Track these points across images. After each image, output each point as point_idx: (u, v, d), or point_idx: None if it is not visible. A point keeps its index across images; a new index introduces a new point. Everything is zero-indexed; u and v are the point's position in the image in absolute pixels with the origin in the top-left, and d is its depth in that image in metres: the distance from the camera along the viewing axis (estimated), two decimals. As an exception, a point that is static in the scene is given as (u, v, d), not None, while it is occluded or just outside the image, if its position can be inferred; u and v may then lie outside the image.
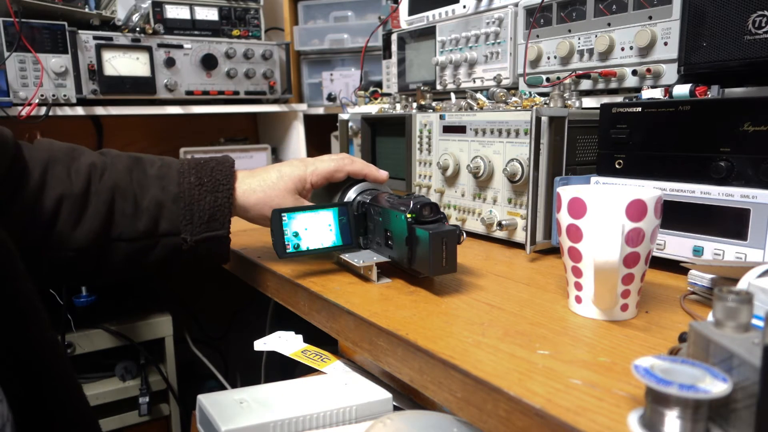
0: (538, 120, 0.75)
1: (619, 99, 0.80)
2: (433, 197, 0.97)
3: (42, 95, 1.22)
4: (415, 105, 1.08)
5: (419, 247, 0.62)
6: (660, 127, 0.69)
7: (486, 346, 0.49)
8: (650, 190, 0.54)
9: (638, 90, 0.79)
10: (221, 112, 1.50)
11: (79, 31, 1.27)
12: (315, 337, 0.85)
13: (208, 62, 1.44)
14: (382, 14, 1.37)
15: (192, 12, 1.43)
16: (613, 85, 0.83)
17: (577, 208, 0.53)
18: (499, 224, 0.83)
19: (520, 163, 0.79)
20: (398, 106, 1.13)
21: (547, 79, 0.91)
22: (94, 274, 0.69)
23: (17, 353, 0.56)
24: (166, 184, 0.69)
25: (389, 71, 1.30)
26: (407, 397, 0.78)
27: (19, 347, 0.56)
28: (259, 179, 0.75)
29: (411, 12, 1.21)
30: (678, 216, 0.67)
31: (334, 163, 0.76)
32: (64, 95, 1.25)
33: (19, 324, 0.56)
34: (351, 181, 0.79)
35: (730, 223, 0.62)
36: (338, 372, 0.83)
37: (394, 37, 1.26)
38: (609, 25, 0.82)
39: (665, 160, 0.69)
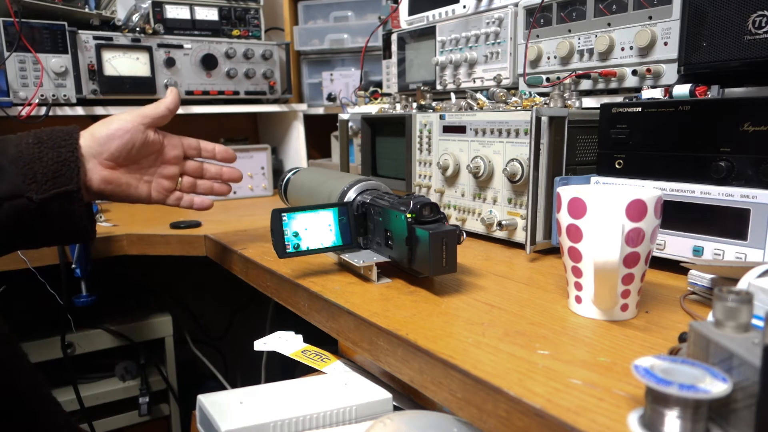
0: (538, 120, 0.75)
1: (619, 99, 0.80)
2: (433, 197, 0.97)
3: (42, 95, 1.22)
4: (415, 105, 1.08)
5: (419, 247, 0.62)
6: (660, 127, 0.69)
7: (486, 346, 0.49)
8: (650, 190, 0.54)
9: (638, 90, 0.79)
10: (221, 112, 1.50)
11: (79, 31, 1.27)
12: (315, 337, 0.85)
13: (208, 62, 1.44)
14: (382, 14, 1.37)
15: (192, 12, 1.43)
16: (613, 85, 0.83)
17: (577, 208, 0.53)
18: (499, 224, 0.83)
19: (520, 163, 0.79)
20: (398, 106, 1.13)
21: (547, 79, 0.91)
22: None
23: None
24: (4, 146, 0.64)
25: (389, 71, 1.30)
26: (407, 397, 0.78)
27: None
28: (102, 121, 0.73)
29: (411, 12, 1.21)
30: (678, 216, 0.67)
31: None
32: (64, 95, 1.25)
33: None
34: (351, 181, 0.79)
35: (730, 223, 0.62)
36: (338, 372, 0.83)
37: (394, 37, 1.26)
38: (609, 25, 0.82)
39: (665, 160, 0.69)
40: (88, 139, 0.70)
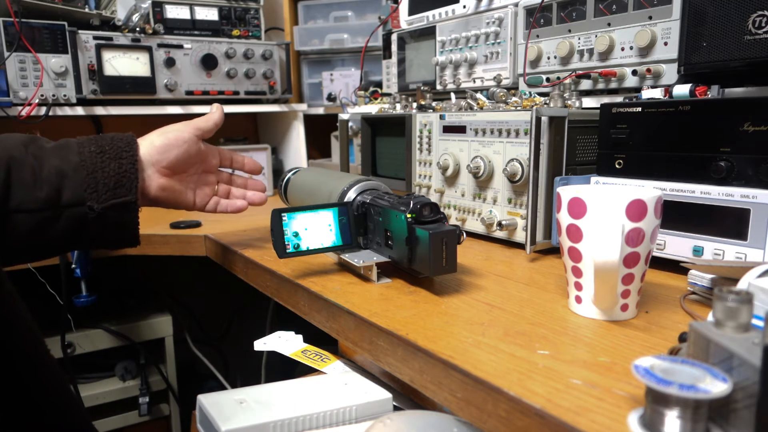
0: (538, 120, 0.75)
1: (619, 99, 0.80)
2: (433, 197, 0.97)
3: (42, 95, 1.22)
4: (415, 105, 1.08)
5: (419, 247, 0.63)
6: (660, 127, 0.69)
7: (486, 346, 0.49)
8: (650, 190, 0.54)
9: (638, 90, 0.79)
10: (221, 112, 1.50)
11: (79, 31, 1.27)
12: (315, 337, 0.85)
13: (208, 62, 1.44)
14: (382, 14, 1.37)
15: (192, 12, 1.43)
16: (613, 85, 0.83)
17: (577, 208, 0.53)
18: (499, 224, 0.83)
19: (520, 163, 0.79)
20: (398, 106, 1.13)
21: (547, 79, 0.91)
22: None
23: (2, 354, 0.56)
24: (66, 153, 0.66)
25: (389, 71, 1.30)
26: (407, 397, 0.78)
27: (3, 347, 0.56)
28: (159, 131, 0.76)
29: (411, 12, 1.21)
30: (678, 216, 0.67)
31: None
32: (64, 95, 1.25)
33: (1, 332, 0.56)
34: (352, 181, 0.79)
35: (730, 223, 0.62)
36: (338, 372, 0.83)
37: (394, 37, 1.26)
38: (609, 25, 0.82)
39: (665, 160, 0.69)
40: (147, 147, 0.73)
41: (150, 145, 0.73)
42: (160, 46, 1.37)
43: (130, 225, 0.70)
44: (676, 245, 0.68)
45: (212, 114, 0.82)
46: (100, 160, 0.67)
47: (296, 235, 0.70)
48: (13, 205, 0.62)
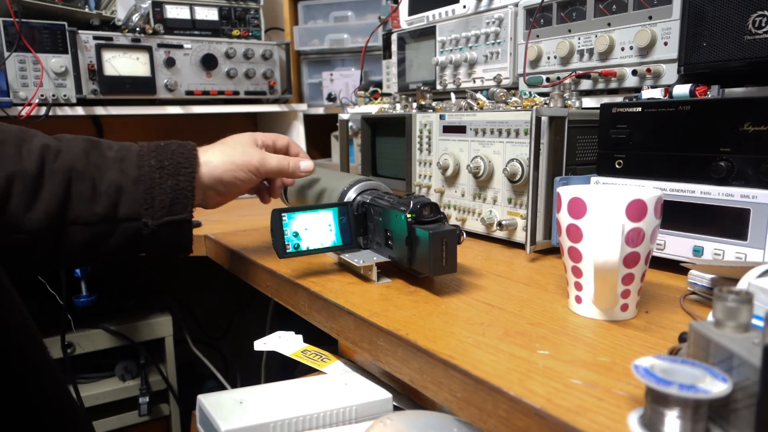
0: (538, 120, 0.75)
1: (619, 99, 0.80)
2: (433, 197, 0.97)
3: (42, 95, 1.22)
4: (415, 105, 1.08)
5: (419, 247, 0.62)
6: (660, 127, 0.69)
7: (486, 346, 0.49)
8: (650, 190, 0.54)
9: (638, 90, 0.79)
10: (221, 112, 1.50)
11: (79, 31, 1.27)
12: (315, 337, 0.85)
13: (208, 62, 1.44)
14: (382, 14, 1.37)
15: (192, 12, 1.43)
16: (613, 85, 0.83)
17: (577, 208, 0.53)
18: (499, 224, 0.83)
19: (520, 163, 0.79)
20: (398, 106, 1.13)
21: (547, 79, 0.91)
22: (49, 259, 0.65)
23: (1, 356, 0.56)
24: (126, 167, 0.66)
25: (389, 71, 1.30)
26: (407, 397, 0.78)
27: (2, 349, 0.56)
28: (218, 151, 0.74)
29: (411, 12, 1.21)
30: (678, 216, 0.67)
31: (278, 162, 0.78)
32: (64, 95, 1.25)
33: (1, 332, 0.56)
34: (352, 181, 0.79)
35: (730, 223, 0.62)
36: (338, 372, 0.83)
37: (394, 37, 1.26)
38: (609, 25, 0.82)
39: (665, 160, 0.69)
40: (210, 173, 0.71)
41: (212, 173, 0.71)
42: (160, 46, 1.37)
43: (185, 240, 0.70)
44: (676, 245, 0.68)
45: (297, 167, 0.78)
46: (158, 176, 0.66)
47: (296, 235, 0.70)
48: (71, 218, 0.62)
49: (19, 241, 0.61)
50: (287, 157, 0.78)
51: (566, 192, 0.55)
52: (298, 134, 1.63)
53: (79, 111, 1.28)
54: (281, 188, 0.87)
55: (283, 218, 0.69)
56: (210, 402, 0.73)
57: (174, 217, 0.66)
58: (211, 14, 1.46)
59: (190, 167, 0.68)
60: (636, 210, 0.51)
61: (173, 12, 1.41)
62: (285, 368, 1.25)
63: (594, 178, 0.77)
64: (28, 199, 0.61)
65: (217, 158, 0.72)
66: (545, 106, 0.82)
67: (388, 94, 1.30)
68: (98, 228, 0.64)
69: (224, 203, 0.77)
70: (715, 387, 0.32)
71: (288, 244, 0.69)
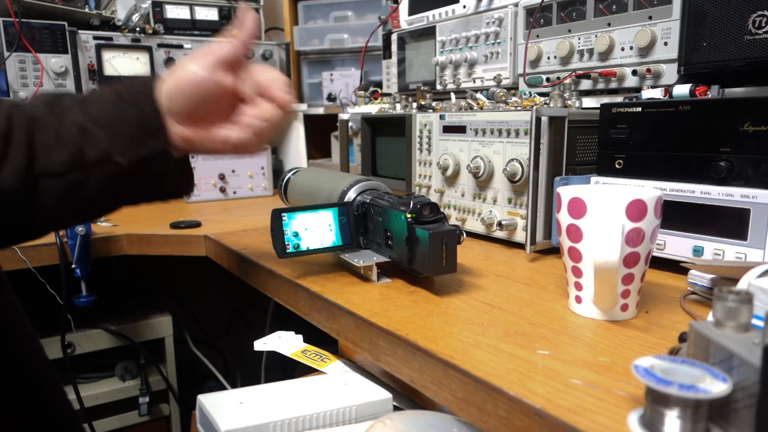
0: (538, 120, 0.75)
1: (619, 99, 0.80)
2: (433, 197, 0.97)
3: (42, 95, 1.22)
4: (415, 105, 1.08)
5: (419, 247, 0.63)
6: (660, 127, 0.69)
7: (486, 346, 0.49)
8: (650, 190, 0.54)
9: (638, 90, 0.79)
10: (221, 112, 1.50)
11: (79, 31, 1.27)
12: (315, 337, 0.85)
13: (208, 62, 1.44)
14: (382, 14, 1.37)
15: (192, 12, 1.43)
16: (613, 85, 0.83)
17: (577, 208, 0.53)
18: (499, 224, 0.83)
19: (520, 163, 0.79)
20: (398, 106, 1.13)
21: (547, 79, 0.91)
22: (33, 220, 0.60)
23: (1, 360, 0.55)
24: (86, 108, 0.59)
25: (389, 71, 1.30)
26: (407, 397, 0.78)
27: (2, 353, 0.56)
28: (171, 71, 0.62)
29: (411, 12, 1.21)
30: (678, 216, 0.67)
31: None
32: (64, 95, 1.25)
33: (2, 332, 0.56)
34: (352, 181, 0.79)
35: (730, 223, 0.62)
36: (338, 372, 0.83)
37: (394, 37, 1.26)
38: (609, 25, 0.82)
39: (665, 160, 0.69)
40: (167, 89, 0.61)
41: (170, 90, 0.60)
42: (160, 46, 1.37)
43: (172, 174, 0.62)
44: (676, 245, 0.68)
45: (239, 32, 0.65)
46: (118, 108, 0.58)
47: (296, 235, 0.70)
48: (39, 170, 0.57)
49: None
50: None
51: (566, 192, 0.55)
52: (298, 134, 1.63)
53: (79, 111, 1.28)
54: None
55: (283, 218, 0.69)
56: (210, 402, 0.73)
57: (147, 150, 0.59)
58: (211, 14, 1.46)
59: (149, 93, 0.60)
60: (636, 210, 0.51)
61: (173, 12, 1.41)
62: (285, 368, 1.25)
63: (594, 178, 0.77)
64: (1, 157, 0.56)
65: (173, 73, 0.62)
66: (545, 106, 0.82)
67: (388, 94, 1.30)
68: (70, 177, 0.58)
69: (200, 137, 0.63)
70: (715, 387, 0.32)
71: (288, 244, 0.69)
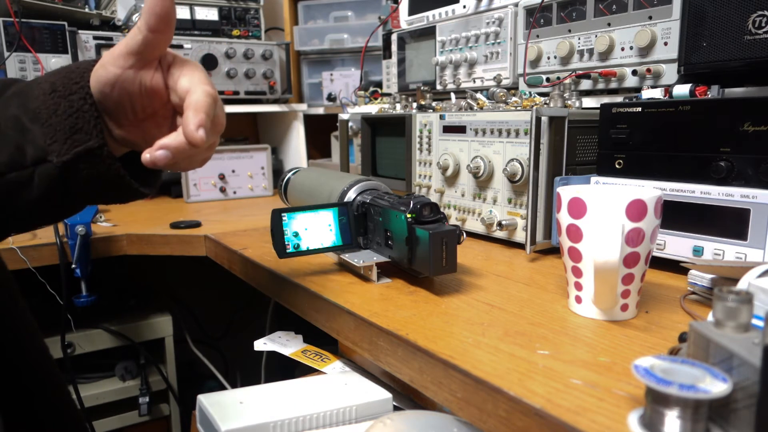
0: (538, 120, 0.75)
1: (619, 99, 0.80)
2: (433, 197, 0.97)
3: (42, 95, 1.22)
4: (415, 105, 1.08)
5: (419, 247, 0.62)
6: (660, 127, 0.69)
7: (486, 346, 0.49)
8: (650, 190, 0.54)
9: (638, 90, 0.79)
10: (221, 112, 1.50)
11: (79, 31, 1.27)
12: (315, 337, 0.85)
13: (208, 62, 1.44)
14: (382, 14, 1.37)
15: (192, 12, 1.43)
16: (613, 85, 0.83)
17: (577, 208, 0.53)
18: (499, 224, 0.83)
19: (520, 163, 0.79)
20: (398, 106, 1.13)
21: (547, 79, 0.91)
22: None
23: (6, 358, 0.56)
24: (24, 100, 0.52)
25: (389, 71, 1.30)
26: (407, 397, 0.78)
27: (8, 352, 0.56)
28: (99, 64, 0.53)
29: (411, 12, 1.21)
30: (678, 216, 0.67)
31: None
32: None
33: (6, 330, 0.56)
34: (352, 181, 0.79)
35: (730, 223, 0.62)
36: (338, 372, 0.83)
37: (394, 37, 1.26)
38: (609, 25, 0.82)
39: (665, 160, 0.69)
40: (96, 76, 0.53)
41: (98, 80, 0.52)
42: (160, 46, 1.37)
43: (111, 175, 0.53)
44: (676, 245, 0.68)
45: (142, 17, 0.51)
46: (52, 101, 0.51)
47: (296, 235, 0.70)
48: None
49: None
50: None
51: (566, 192, 0.55)
52: (298, 134, 1.63)
53: (79, 111, 1.28)
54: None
55: (283, 218, 0.69)
56: (210, 402, 0.73)
57: (80, 148, 0.51)
58: (211, 14, 1.46)
59: (81, 80, 0.52)
60: (636, 210, 0.51)
61: (173, 12, 1.40)
62: (285, 368, 1.25)
63: (594, 178, 0.77)
64: None
65: (97, 64, 0.53)
66: (545, 106, 0.82)
67: (388, 94, 1.30)
68: (10, 177, 0.51)
69: (137, 138, 0.56)
70: (715, 387, 0.32)
71: (288, 244, 0.69)
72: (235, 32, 1.49)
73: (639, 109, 0.71)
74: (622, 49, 0.81)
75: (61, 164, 0.51)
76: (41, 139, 0.51)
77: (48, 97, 0.51)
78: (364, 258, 0.70)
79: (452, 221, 0.94)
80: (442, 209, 0.79)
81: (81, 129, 0.51)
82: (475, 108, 0.92)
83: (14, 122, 0.51)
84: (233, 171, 1.49)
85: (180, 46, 1.40)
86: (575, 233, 0.54)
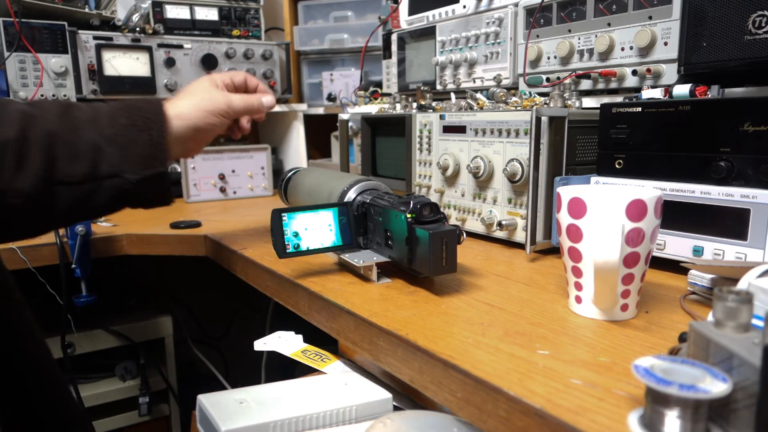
0: (538, 120, 0.75)
1: (619, 99, 0.80)
2: (433, 197, 0.97)
3: (42, 95, 1.22)
4: (415, 105, 1.08)
5: (419, 247, 0.62)
6: (660, 127, 0.69)
7: (486, 346, 0.49)
8: (650, 190, 0.54)
9: (638, 90, 0.79)
10: (221, 112, 1.50)
11: (79, 31, 1.27)
12: (315, 337, 0.85)
13: (208, 62, 1.44)
14: (382, 14, 1.37)
15: (192, 12, 1.43)
16: (613, 85, 0.83)
17: (577, 208, 0.53)
18: (499, 224, 0.83)
19: (520, 163, 0.79)
20: (398, 106, 1.13)
21: (547, 79, 0.91)
22: (41, 221, 0.69)
23: (6, 359, 0.56)
24: (100, 127, 0.68)
25: (389, 71, 1.30)
26: (407, 397, 0.78)
27: (8, 352, 0.56)
28: (187, 102, 0.76)
29: (411, 12, 1.21)
30: (678, 216, 0.67)
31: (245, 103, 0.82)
32: (64, 95, 1.25)
33: (7, 331, 0.56)
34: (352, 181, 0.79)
35: (730, 223, 0.62)
36: (338, 372, 0.83)
37: (394, 37, 1.26)
38: (609, 25, 0.82)
39: (665, 160, 0.69)
40: (180, 125, 0.73)
41: (187, 125, 0.74)
42: (160, 46, 1.37)
43: (165, 192, 0.73)
44: (676, 245, 0.68)
45: (264, 101, 0.83)
46: (131, 132, 0.69)
47: (296, 235, 0.70)
48: (57, 178, 0.65)
49: (14, 205, 0.64)
50: (251, 96, 0.83)
51: (566, 192, 0.55)
52: (298, 134, 1.63)
53: (79, 111, 1.28)
54: (249, 122, 0.89)
55: (283, 218, 0.69)
56: (210, 402, 0.73)
57: (152, 171, 0.69)
58: (211, 14, 1.46)
59: (159, 122, 0.71)
60: (636, 210, 0.51)
61: (173, 12, 1.41)
62: (285, 368, 1.25)
63: (594, 178, 0.77)
64: (17, 163, 0.63)
65: (187, 109, 0.75)
66: (545, 106, 0.82)
67: (388, 94, 1.30)
68: (84, 187, 0.66)
69: (201, 149, 0.81)
70: (715, 387, 0.32)
71: (288, 244, 0.69)
72: (235, 32, 1.48)
73: (639, 109, 0.71)
74: (622, 49, 0.81)
75: (135, 181, 0.68)
76: (116, 160, 0.67)
77: (128, 128, 0.68)
78: (364, 258, 0.70)
79: (452, 221, 0.94)
80: (442, 209, 0.79)
81: (156, 157, 0.69)
82: (475, 108, 0.92)
83: (92, 145, 0.67)
84: (233, 171, 1.49)
85: (180, 46, 1.40)
86: (575, 233, 0.54)
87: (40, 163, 0.64)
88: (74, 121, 0.68)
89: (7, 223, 0.67)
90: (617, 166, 0.74)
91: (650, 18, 0.77)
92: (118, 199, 0.70)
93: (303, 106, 1.64)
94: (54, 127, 0.66)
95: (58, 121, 0.67)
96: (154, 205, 0.75)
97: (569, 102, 0.82)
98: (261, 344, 0.86)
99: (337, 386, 0.77)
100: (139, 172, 0.68)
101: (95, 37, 1.29)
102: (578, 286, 0.55)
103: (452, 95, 1.05)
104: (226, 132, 0.86)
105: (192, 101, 0.76)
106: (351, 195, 0.76)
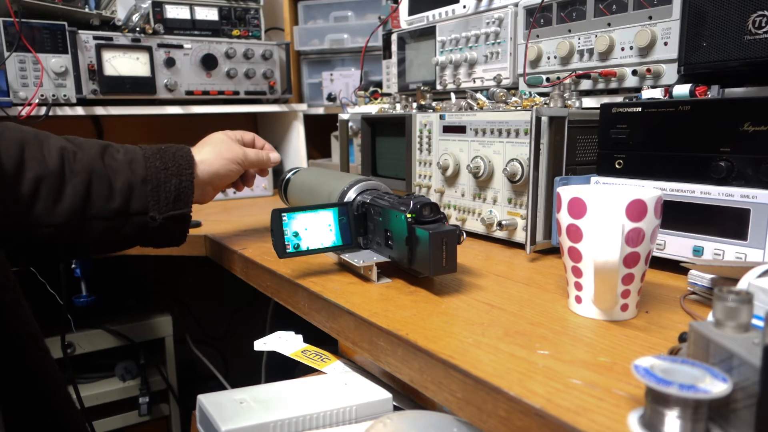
0: (538, 120, 0.75)
1: (619, 99, 0.80)
2: (433, 197, 0.97)
3: (42, 95, 1.22)
4: (415, 105, 1.08)
5: (419, 247, 0.62)
6: (660, 127, 0.69)
7: (486, 346, 0.49)
8: (650, 190, 0.54)
9: (638, 90, 0.79)
10: (221, 112, 1.50)
11: (79, 31, 1.27)
12: (315, 337, 0.85)
13: (208, 62, 1.44)
14: (382, 14, 1.37)
15: (192, 12, 1.43)
16: (613, 85, 0.83)
17: (577, 208, 0.53)
18: (499, 224, 0.83)
19: (520, 163, 0.79)
20: (398, 106, 1.13)
21: (547, 79, 0.91)
22: (70, 250, 0.75)
23: (6, 359, 0.56)
24: (135, 168, 0.75)
25: (389, 71, 1.30)
26: (407, 397, 0.78)
27: (5, 350, 0.56)
28: (210, 150, 0.85)
29: (411, 12, 1.21)
30: (678, 216, 0.67)
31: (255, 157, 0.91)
32: (64, 95, 1.25)
33: (7, 331, 0.56)
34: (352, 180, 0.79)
35: (730, 223, 0.62)
36: (338, 372, 0.83)
37: (394, 37, 1.26)
38: (609, 25, 0.82)
39: (665, 160, 0.69)
40: (204, 170, 0.82)
41: (210, 170, 0.83)
42: (160, 46, 1.37)
43: (183, 232, 0.81)
44: (676, 245, 0.68)
45: (271, 158, 0.93)
46: (163, 176, 0.76)
47: (296, 235, 0.70)
48: (91, 213, 0.72)
49: (45, 234, 0.69)
50: (261, 151, 0.92)
51: (566, 192, 0.55)
52: (298, 134, 1.63)
53: (79, 111, 1.28)
54: (254, 177, 0.97)
55: (283, 218, 0.69)
56: (210, 402, 0.73)
57: (177, 212, 0.77)
58: (211, 14, 1.46)
59: (189, 168, 0.79)
60: (636, 210, 0.51)
61: (173, 12, 1.40)
62: (285, 368, 1.25)
63: (594, 178, 0.77)
64: (54, 196, 0.69)
65: (211, 156, 0.83)
66: (545, 106, 0.82)
67: (388, 94, 1.30)
68: (113, 221, 0.73)
69: (214, 197, 0.88)
70: (715, 387, 0.32)
71: (288, 244, 0.69)
72: (235, 32, 1.48)
73: (639, 109, 0.71)
74: (622, 49, 0.81)
75: (162, 219, 0.76)
76: (146, 199, 0.75)
77: (161, 171, 0.77)
78: (364, 258, 0.70)
79: (452, 221, 0.94)
80: (442, 209, 0.79)
81: (182, 200, 0.77)
82: (475, 108, 0.92)
83: (128, 185, 0.74)
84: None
85: (180, 46, 1.40)
86: (575, 233, 0.54)
87: (77, 198, 0.70)
88: (112, 161, 0.75)
89: (36, 251, 0.72)
90: (617, 166, 0.74)
91: (650, 18, 0.77)
92: (140, 234, 0.76)
93: (303, 106, 1.64)
94: (94, 165, 0.72)
95: (98, 160, 0.73)
96: (167, 245, 0.81)
97: (569, 102, 0.82)
98: (261, 344, 0.86)
99: (337, 386, 0.77)
100: (165, 212, 0.76)
101: (95, 37, 1.29)
102: (578, 286, 0.55)
103: (452, 95, 1.05)
104: (231, 184, 0.93)
105: (214, 150, 0.84)
106: (351, 195, 0.76)
